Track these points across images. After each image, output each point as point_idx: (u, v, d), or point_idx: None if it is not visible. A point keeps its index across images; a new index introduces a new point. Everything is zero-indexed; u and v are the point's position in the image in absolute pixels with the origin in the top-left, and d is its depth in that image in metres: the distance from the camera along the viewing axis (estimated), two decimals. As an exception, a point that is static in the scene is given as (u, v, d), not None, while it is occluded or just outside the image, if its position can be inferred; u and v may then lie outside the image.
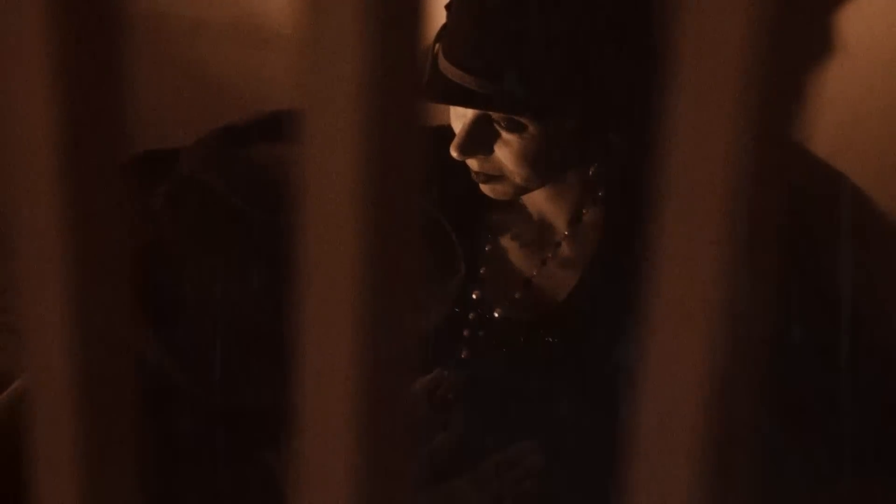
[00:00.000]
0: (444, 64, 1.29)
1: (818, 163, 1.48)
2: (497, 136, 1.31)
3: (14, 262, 0.49)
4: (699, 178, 0.41)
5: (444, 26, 1.32)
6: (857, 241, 1.48)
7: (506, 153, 1.31)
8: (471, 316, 1.42)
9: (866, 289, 1.47)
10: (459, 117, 1.33)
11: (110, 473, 0.51)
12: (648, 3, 1.23)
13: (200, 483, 1.02)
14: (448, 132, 1.36)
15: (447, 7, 1.32)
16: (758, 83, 0.40)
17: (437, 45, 1.32)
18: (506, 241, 1.44)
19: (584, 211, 1.40)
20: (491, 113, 1.30)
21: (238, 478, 1.03)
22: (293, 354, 0.47)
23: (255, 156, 0.99)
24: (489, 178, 1.35)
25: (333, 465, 0.48)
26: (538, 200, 1.41)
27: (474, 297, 1.42)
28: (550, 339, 1.39)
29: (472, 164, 1.34)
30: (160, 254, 0.97)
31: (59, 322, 0.49)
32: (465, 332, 1.41)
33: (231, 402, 0.99)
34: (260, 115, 1.03)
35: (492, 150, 1.32)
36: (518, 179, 1.33)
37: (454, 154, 1.33)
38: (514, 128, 1.30)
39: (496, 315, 1.41)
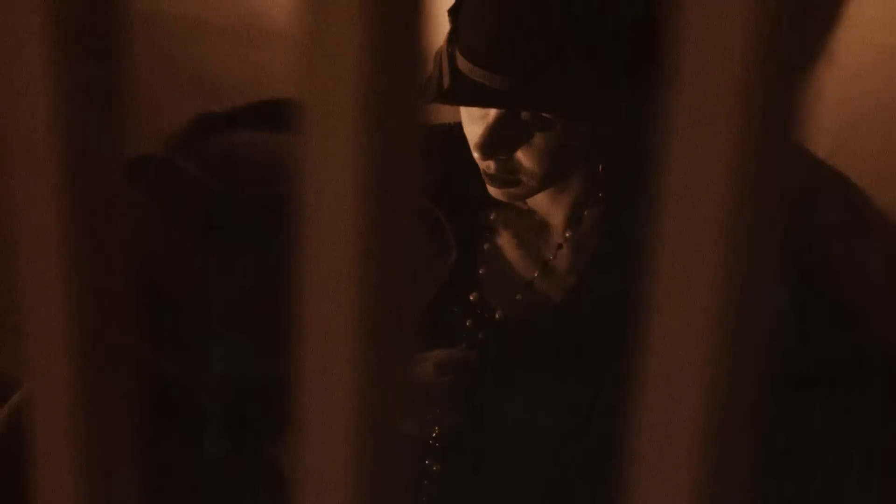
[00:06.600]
0: (465, 65, 1.25)
1: (818, 163, 1.48)
2: (521, 135, 1.28)
3: (15, 263, 0.49)
4: (700, 177, 0.41)
5: (456, 28, 1.29)
6: (857, 240, 1.48)
7: (528, 153, 1.28)
8: (468, 322, 1.40)
9: (866, 288, 1.47)
10: (478, 118, 1.29)
11: (110, 476, 0.51)
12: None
13: (204, 479, 1.02)
14: (451, 130, 1.35)
15: (450, 11, 1.30)
16: (758, 84, 0.40)
17: (451, 48, 1.29)
18: (504, 242, 1.43)
19: (584, 211, 1.39)
20: (520, 111, 1.26)
21: (241, 473, 1.03)
22: (292, 344, 0.47)
23: (233, 140, 0.99)
24: (503, 182, 1.32)
25: (334, 454, 0.48)
26: (539, 200, 1.41)
27: (472, 298, 1.41)
28: (551, 340, 1.39)
29: (489, 165, 1.31)
30: (142, 244, 0.97)
31: (59, 323, 0.49)
32: (464, 334, 1.40)
33: (227, 387, 0.99)
34: (241, 105, 1.03)
35: (514, 151, 1.29)
36: (534, 181, 1.31)
37: (476, 155, 1.29)
38: (543, 126, 1.27)
39: (497, 317, 1.40)
